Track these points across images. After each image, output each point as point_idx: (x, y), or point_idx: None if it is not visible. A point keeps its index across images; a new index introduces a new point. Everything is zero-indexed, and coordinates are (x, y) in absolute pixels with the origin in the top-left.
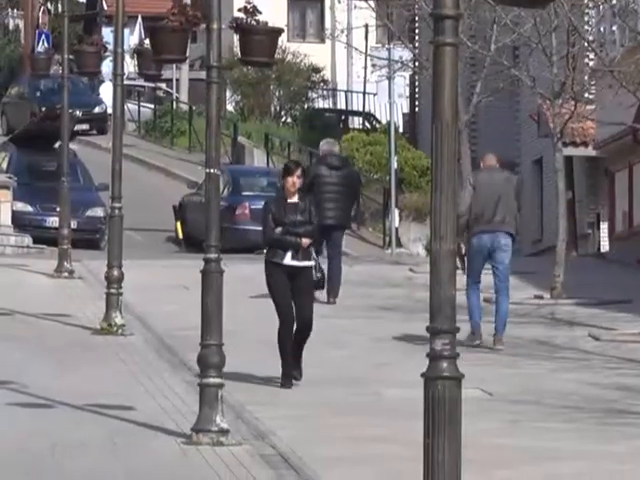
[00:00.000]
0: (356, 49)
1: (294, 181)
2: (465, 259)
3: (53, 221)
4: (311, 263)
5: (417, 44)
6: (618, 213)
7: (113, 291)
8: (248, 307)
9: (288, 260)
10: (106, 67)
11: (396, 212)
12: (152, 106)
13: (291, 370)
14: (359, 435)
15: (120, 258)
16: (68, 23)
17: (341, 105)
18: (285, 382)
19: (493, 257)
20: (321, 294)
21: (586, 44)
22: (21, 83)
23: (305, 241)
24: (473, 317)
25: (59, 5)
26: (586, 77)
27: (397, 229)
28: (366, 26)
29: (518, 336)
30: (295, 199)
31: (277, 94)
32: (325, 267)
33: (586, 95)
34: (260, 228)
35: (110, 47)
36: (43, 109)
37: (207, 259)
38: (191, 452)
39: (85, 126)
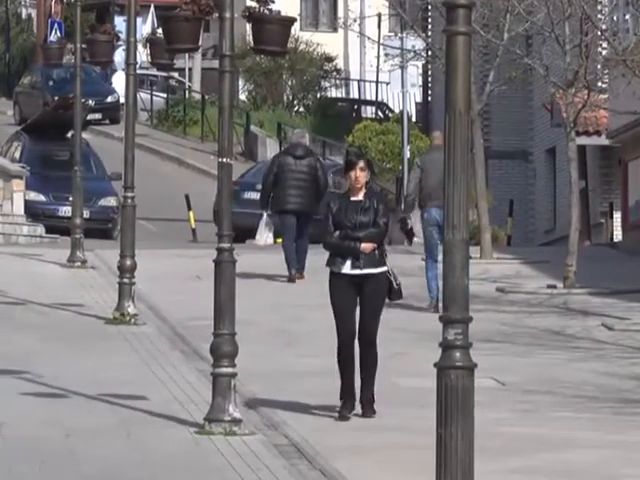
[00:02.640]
0: (369, 38)
1: (357, 175)
2: (412, 234)
3: (66, 210)
4: (378, 270)
5: (430, 33)
6: (631, 202)
7: (126, 281)
8: (261, 296)
9: (347, 269)
10: (119, 56)
11: None
12: (165, 95)
13: (351, 399)
14: (372, 424)
15: (133, 248)
16: (81, 12)
17: (354, 94)
18: (341, 412)
19: (441, 230)
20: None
21: (599, 33)
22: (34, 72)
23: (365, 246)
24: (430, 291)
25: None
26: (599, 66)
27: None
28: (379, 15)
29: (531, 326)
30: (360, 196)
31: (290, 83)
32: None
33: (599, 84)
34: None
35: (123, 36)
36: (56, 98)
37: (220, 249)
38: (204, 441)
39: (98, 115)
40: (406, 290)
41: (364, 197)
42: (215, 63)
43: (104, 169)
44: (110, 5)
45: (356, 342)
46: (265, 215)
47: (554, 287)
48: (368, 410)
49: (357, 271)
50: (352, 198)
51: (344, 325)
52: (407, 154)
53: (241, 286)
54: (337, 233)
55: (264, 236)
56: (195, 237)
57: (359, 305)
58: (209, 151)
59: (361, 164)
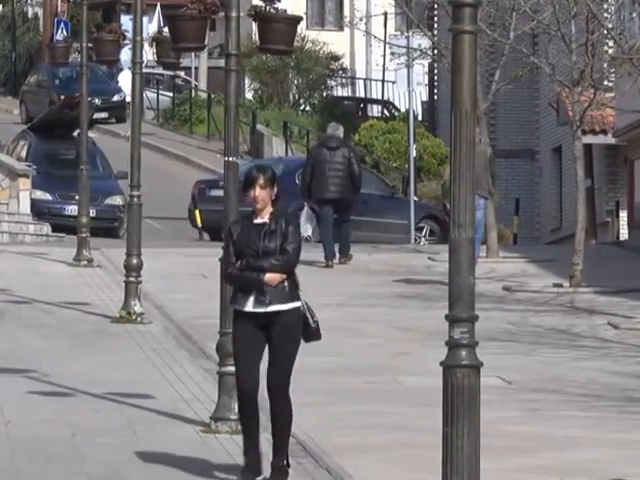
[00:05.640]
0: (375, 37)
1: (255, 195)
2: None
3: (72, 209)
4: (288, 306)
5: (436, 32)
6: (637, 201)
7: (132, 279)
8: None
9: (250, 306)
10: (125, 55)
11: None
12: (171, 94)
13: (256, 462)
14: (378, 423)
15: (139, 246)
16: (87, 11)
17: (360, 93)
18: (242, 476)
19: None
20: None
21: (605, 31)
22: (40, 71)
23: (270, 277)
24: None
25: None
26: (605, 65)
27: None
28: (385, 14)
29: (537, 324)
30: (265, 219)
31: (296, 82)
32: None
33: (605, 83)
34: None
35: (129, 35)
36: (62, 97)
37: None
38: (210, 440)
39: (104, 114)
40: (413, 289)
41: (269, 218)
42: (221, 62)
43: (110, 168)
44: (116, 4)
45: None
46: (306, 207)
47: (560, 286)
48: (277, 477)
49: (262, 309)
50: (255, 221)
51: (245, 376)
52: (413, 153)
53: None
54: (238, 263)
55: (304, 228)
56: (201, 236)
57: (268, 349)
58: (215, 150)
59: (261, 181)
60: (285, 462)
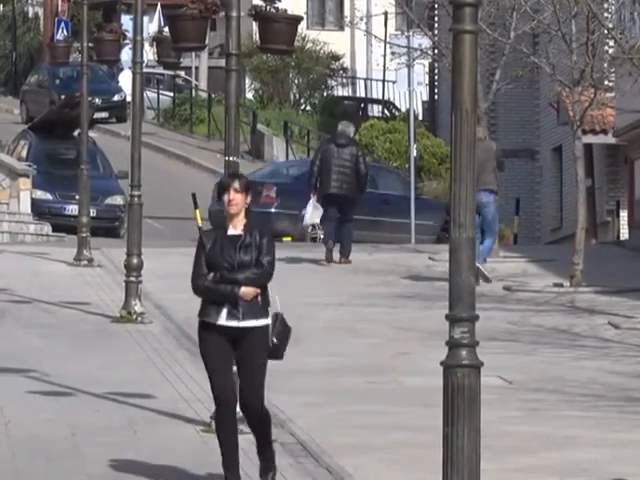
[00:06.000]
0: (375, 37)
1: (231, 198)
2: None
3: (72, 209)
4: (260, 323)
5: (436, 31)
6: (638, 201)
7: (132, 279)
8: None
9: (223, 319)
10: (125, 55)
11: None
12: (171, 94)
13: (234, 475)
14: (378, 423)
15: (139, 246)
16: (87, 11)
17: (360, 93)
18: None
19: (480, 210)
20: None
21: (606, 31)
22: (40, 71)
23: (245, 291)
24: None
25: None
26: (606, 64)
27: None
28: (385, 13)
29: (538, 324)
30: (238, 230)
31: (296, 82)
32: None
33: (606, 82)
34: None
35: (129, 35)
36: (62, 97)
37: None
38: (210, 440)
39: (104, 114)
40: (412, 289)
41: (244, 230)
42: (222, 62)
43: (111, 167)
44: (117, 4)
45: None
46: (313, 198)
47: (560, 285)
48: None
49: (234, 323)
50: (229, 232)
51: (221, 388)
52: (414, 152)
53: None
54: (211, 275)
55: (312, 215)
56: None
57: (236, 366)
58: (216, 150)
59: (236, 185)
60: (272, 461)
